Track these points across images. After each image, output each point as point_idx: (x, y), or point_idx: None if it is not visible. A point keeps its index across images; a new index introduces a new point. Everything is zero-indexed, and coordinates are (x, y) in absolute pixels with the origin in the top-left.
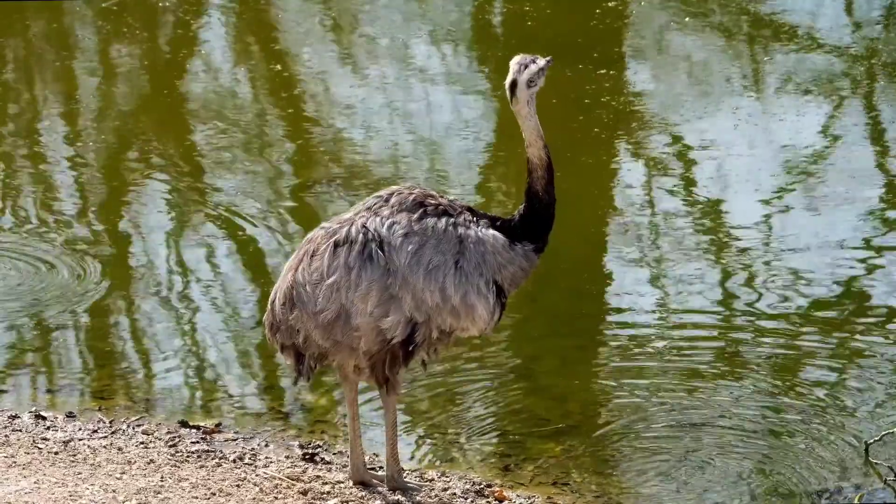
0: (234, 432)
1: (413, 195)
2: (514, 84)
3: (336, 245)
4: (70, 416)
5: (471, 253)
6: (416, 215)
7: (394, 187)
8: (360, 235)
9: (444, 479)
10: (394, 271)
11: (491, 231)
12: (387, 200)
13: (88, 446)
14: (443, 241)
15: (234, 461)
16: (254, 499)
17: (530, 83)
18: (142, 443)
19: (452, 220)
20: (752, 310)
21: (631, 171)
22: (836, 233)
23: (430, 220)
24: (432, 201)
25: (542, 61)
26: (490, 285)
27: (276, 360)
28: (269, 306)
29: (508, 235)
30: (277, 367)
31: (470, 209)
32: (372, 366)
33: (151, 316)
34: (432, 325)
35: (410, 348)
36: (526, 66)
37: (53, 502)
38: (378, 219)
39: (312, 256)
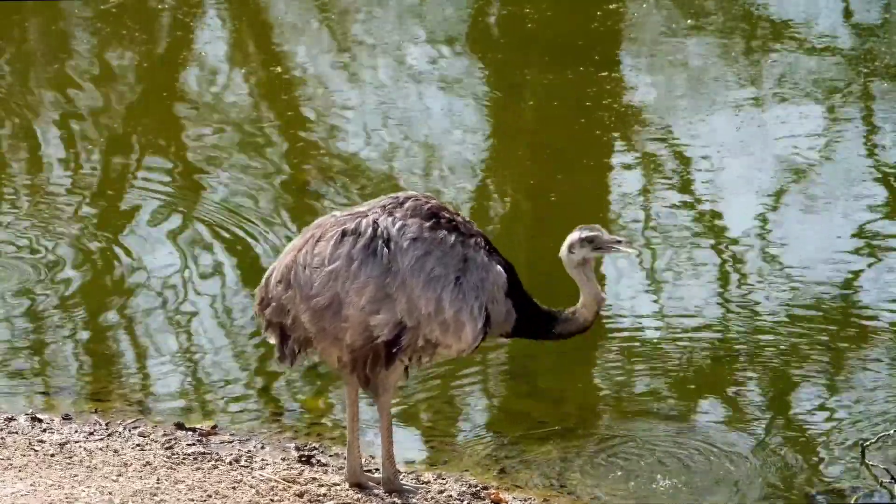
0: (231, 434)
1: (429, 205)
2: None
3: (343, 234)
4: (66, 418)
5: (472, 274)
6: (428, 224)
7: (411, 192)
8: (370, 230)
9: (441, 481)
10: (395, 272)
11: (499, 267)
12: (402, 204)
13: (85, 448)
14: (448, 254)
15: (231, 463)
16: (250, 501)
17: (570, 249)
18: (138, 445)
19: (462, 238)
20: (749, 311)
21: (632, 173)
22: (834, 234)
23: (441, 233)
24: (446, 214)
25: (595, 232)
26: (482, 310)
27: (273, 363)
28: (263, 281)
29: (511, 287)
30: (274, 369)
31: (485, 237)
32: (353, 361)
33: (147, 318)
34: (419, 333)
35: (394, 350)
36: (582, 238)
37: None
38: (390, 218)
39: (318, 241)
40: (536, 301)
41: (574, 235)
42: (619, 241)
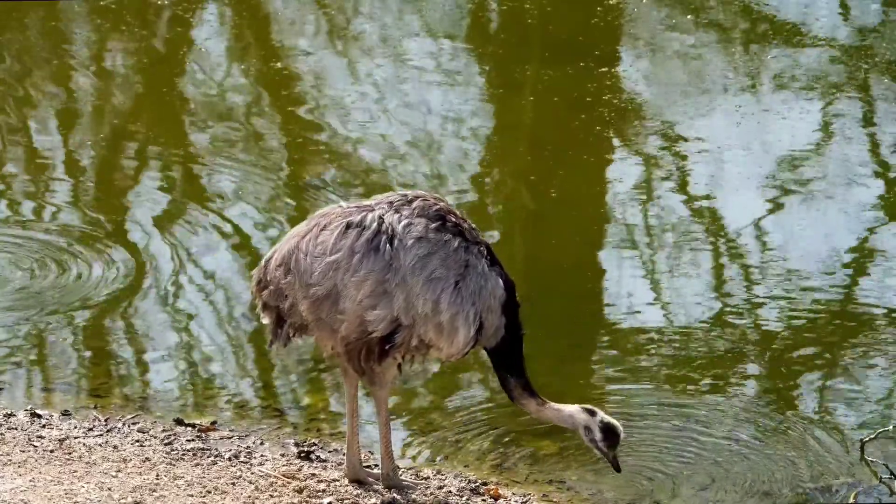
0: (230, 430)
1: (437, 206)
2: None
3: (348, 226)
4: (65, 414)
5: (471, 280)
6: (434, 225)
7: (420, 192)
8: (374, 224)
9: (440, 476)
10: (395, 268)
11: (499, 279)
12: (410, 202)
13: (84, 444)
14: (451, 257)
15: (230, 459)
16: (249, 497)
17: (587, 427)
18: (137, 441)
19: (466, 244)
20: (749, 308)
21: (631, 169)
22: (834, 229)
23: (446, 235)
24: (453, 219)
25: (618, 433)
26: (477, 318)
27: (272, 359)
28: (262, 263)
29: (508, 306)
30: (273, 365)
31: (489, 248)
32: (348, 353)
33: (147, 314)
34: (414, 332)
35: (387, 347)
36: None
37: (49, 500)
38: (396, 215)
39: (322, 230)
40: (522, 340)
41: (610, 424)
42: (617, 463)
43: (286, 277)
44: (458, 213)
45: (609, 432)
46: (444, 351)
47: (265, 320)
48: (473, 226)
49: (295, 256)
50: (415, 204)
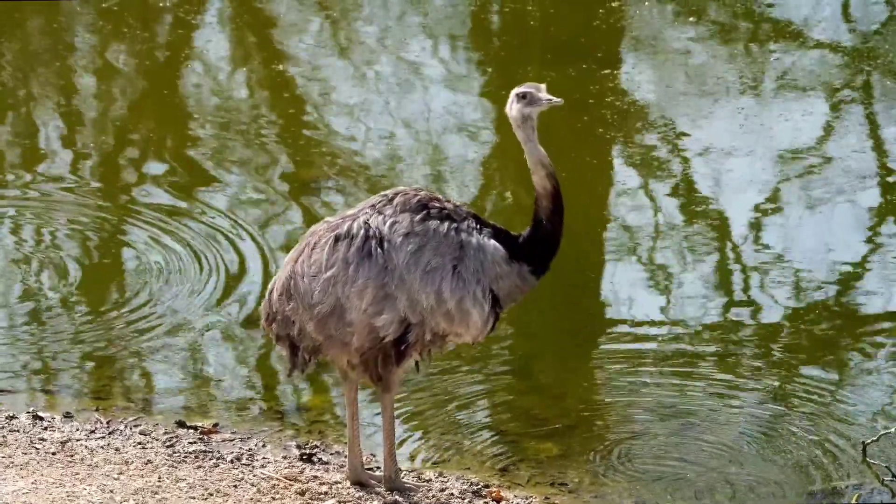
0: (232, 432)
1: (418, 197)
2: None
3: (336, 239)
4: (67, 416)
5: (470, 259)
6: (418, 216)
7: (399, 188)
8: (361, 231)
9: (442, 479)
10: (391, 270)
11: (492, 241)
12: (391, 200)
13: (86, 447)
14: (443, 243)
15: (232, 461)
16: (251, 499)
17: (509, 107)
18: (139, 443)
19: (455, 224)
20: (750, 310)
21: (634, 171)
22: (835, 233)
23: (433, 223)
24: (437, 204)
25: (529, 89)
26: (486, 294)
27: (273, 361)
28: (266, 296)
29: (510, 251)
30: (275, 367)
31: (475, 216)
32: (364, 363)
33: (149, 316)
34: (426, 327)
35: (403, 348)
36: (517, 94)
37: (51, 502)
38: (380, 217)
39: (313, 249)
40: (523, 234)
41: (522, 88)
42: (550, 99)
43: (289, 304)
44: (440, 197)
45: (521, 97)
46: (465, 336)
47: (282, 352)
48: (457, 203)
49: (293, 281)
50: (396, 201)
